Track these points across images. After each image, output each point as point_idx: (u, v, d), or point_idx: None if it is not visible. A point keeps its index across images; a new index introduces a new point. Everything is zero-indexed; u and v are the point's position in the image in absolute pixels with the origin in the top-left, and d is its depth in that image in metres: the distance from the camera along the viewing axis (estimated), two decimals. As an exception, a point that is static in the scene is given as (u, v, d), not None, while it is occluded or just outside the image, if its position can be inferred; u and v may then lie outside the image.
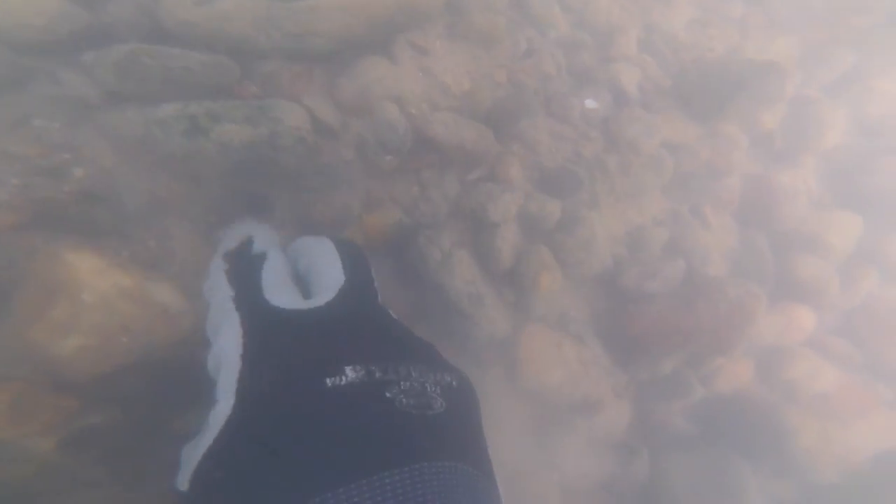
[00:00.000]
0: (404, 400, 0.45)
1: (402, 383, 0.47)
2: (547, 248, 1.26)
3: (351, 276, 0.58)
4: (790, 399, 1.45)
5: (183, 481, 0.46)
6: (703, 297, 1.34)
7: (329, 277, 0.58)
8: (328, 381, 0.45)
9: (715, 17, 1.89)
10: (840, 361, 1.51)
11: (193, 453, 0.46)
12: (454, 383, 0.51)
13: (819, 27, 1.97)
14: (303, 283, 0.63)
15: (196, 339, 1.03)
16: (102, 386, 0.91)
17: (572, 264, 1.31)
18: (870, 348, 1.53)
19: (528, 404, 1.36)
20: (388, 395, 0.45)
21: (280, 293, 0.55)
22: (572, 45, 1.54)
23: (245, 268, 0.61)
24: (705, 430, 1.42)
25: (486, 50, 1.37)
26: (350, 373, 0.46)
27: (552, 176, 1.33)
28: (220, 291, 0.59)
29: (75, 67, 0.95)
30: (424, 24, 1.31)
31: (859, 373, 1.52)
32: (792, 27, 1.95)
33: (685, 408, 1.45)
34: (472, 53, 1.35)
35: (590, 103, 1.41)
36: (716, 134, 1.57)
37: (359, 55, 1.22)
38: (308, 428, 0.43)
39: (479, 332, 1.21)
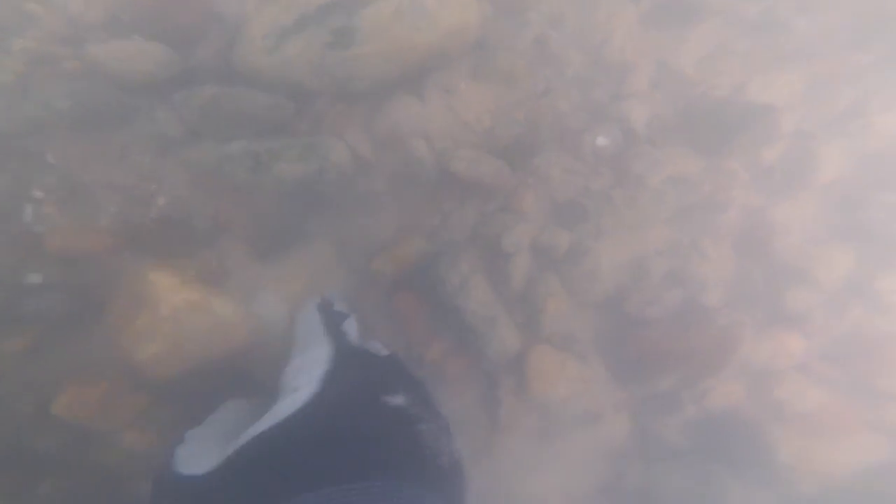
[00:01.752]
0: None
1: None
2: (555, 276, 1.39)
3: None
4: (777, 417, 1.56)
5: (205, 463, 0.61)
6: (696, 324, 1.46)
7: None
8: (384, 398, 0.62)
9: (723, 52, 1.99)
10: (826, 384, 1.62)
11: (239, 435, 0.61)
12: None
13: (822, 63, 2.06)
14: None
15: (246, 346, 1.20)
16: (170, 386, 1.06)
17: (578, 291, 1.44)
18: (854, 372, 1.64)
19: (535, 414, 1.49)
20: (411, 415, 0.61)
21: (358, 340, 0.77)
22: (587, 83, 1.67)
23: (334, 316, 0.83)
24: (696, 444, 1.55)
25: (506, 89, 1.50)
26: (399, 399, 0.62)
27: (563, 208, 1.46)
28: (316, 325, 0.77)
29: (167, 106, 1.10)
30: (451, 65, 1.45)
31: (844, 395, 1.63)
32: (796, 62, 2.05)
33: (678, 423, 1.57)
34: (494, 92, 1.48)
35: (601, 140, 1.54)
36: (718, 168, 1.68)
37: (392, 94, 1.37)
38: (355, 432, 0.58)
39: (492, 349, 1.35)
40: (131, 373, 1.01)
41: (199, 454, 0.65)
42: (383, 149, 1.35)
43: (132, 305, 1.01)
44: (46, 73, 0.98)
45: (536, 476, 1.45)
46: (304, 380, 0.66)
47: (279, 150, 1.16)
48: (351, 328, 0.80)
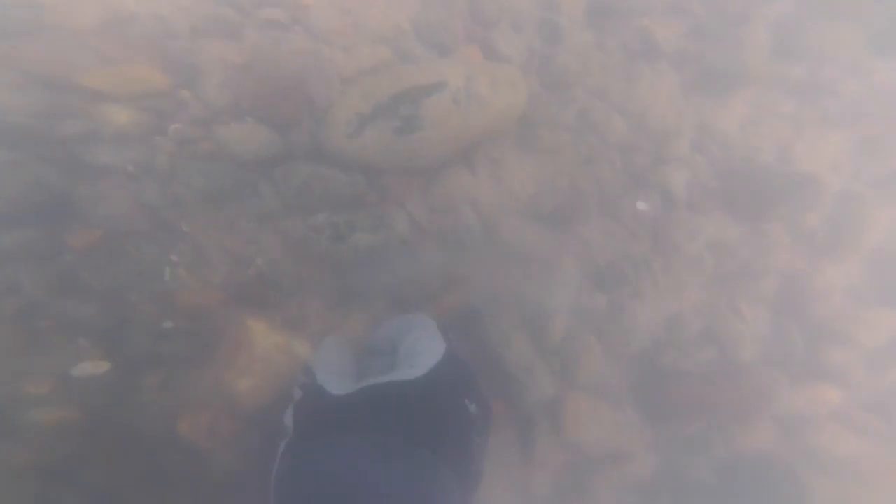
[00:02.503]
0: None
1: None
2: (593, 335, 1.52)
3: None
4: (811, 462, 1.60)
5: (336, 387, 0.91)
6: (726, 378, 1.54)
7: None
8: (466, 401, 0.88)
9: (767, 114, 2.06)
10: (866, 433, 1.64)
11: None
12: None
13: (871, 122, 2.08)
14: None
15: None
16: (259, 413, 1.28)
17: (615, 345, 1.56)
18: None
19: (569, 453, 1.61)
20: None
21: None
22: (629, 148, 1.80)
23: (445, 325, 1.11)
24: (724, 483, 1.61)
25: (550, 159, 1.66)
26: (473, 407, 0.89)
27: (604, 270, 1.59)
28: (433, 327, 1.06)
29: (268, 182, 1.34)
30: (500, 138, 1.63)
31: (885, 443, 1.64)
32: (844, 122, 2.08)
33: (707, 461, 1.64)
34: (539, 162, 1.65)
35: (641, 205, 1.66)
36: (758, 233, 1.75)
37: (447, 166, 1.56)
38: (440, 416, 0.84)
39: (530, 395, 1.49)
40: (232, 402, 1.24)
41: (327, 380, 0.94)
42: (437, 214, 1.55)
43: (234, 347, 1.25)
44: (188, 153, 1.24)
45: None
46: (422, 361, 0.92)
47: (355, 221, 1.38)
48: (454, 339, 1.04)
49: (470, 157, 1.58)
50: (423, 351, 0.96)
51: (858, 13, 2.25)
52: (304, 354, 1.34)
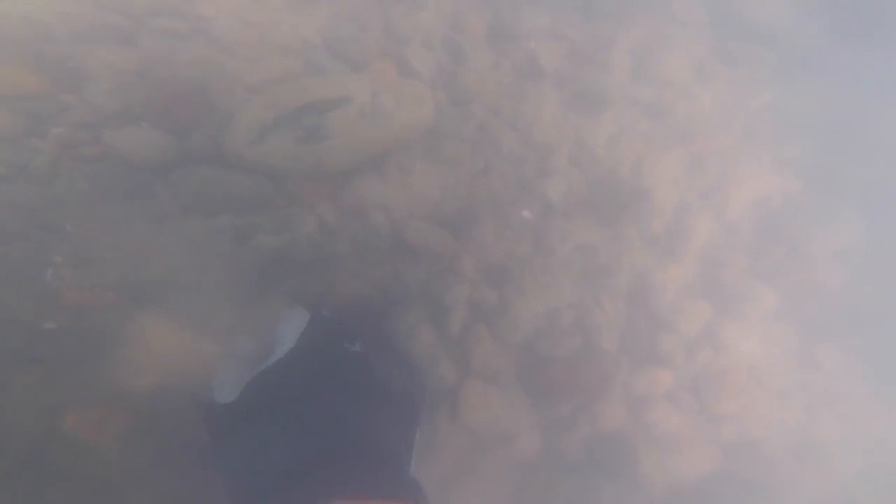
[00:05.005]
0: None
1: None
2: (484, 324, 1.73)
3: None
4: (647, 436, 2.02)
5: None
6: (590, 364, 1.87)
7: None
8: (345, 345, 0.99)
9: (626, 131, 2.44)
10: (682, 408, 2.10)
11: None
12: None
13: (697, 141, 2.58)
14: None
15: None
16: (155, 408, 1.26)
17: (503, 336, 1.79)
18: (704, 400, 2.14)
19: (465, 436, 1.82)
20: None
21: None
22: (518, 161, 2.02)
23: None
24: (588, 457, 1.96)
25: (453, 169, 1.81)
26: (357, 346, 1.00)
27: (494, 269, 1.80)
28: (301, 312, 1.18)
29: (164, 185, 1.29)
30: (409, 148, 1.74)
31: (694, 417, 2.12)
32: (680, 140, 2.55)
33: (576, 440, 1.98)
34: (443, 171, 1.79)
35: (526, 213, 1.90)
36: (616, 237, 2.11)
37: (358, 172, 1.63)
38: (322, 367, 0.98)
39: (434, 382, 1.66)
40: (126, 398, 1.22)
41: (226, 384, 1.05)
42: (348, 217, 1.62)
43: (129, 346, 1.22)
44: (72, 155, 1.16)
45: (463, 487, 1.78)
46: (290, 338, 1.07)
47: (258, 223, 1.40)
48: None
49: (381, 164, 1.67)
50: (290, 330, 1.11)
51: (685, 43, 2.76)
52: (209, 351, 1.35)
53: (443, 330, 1.70)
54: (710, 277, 2.39)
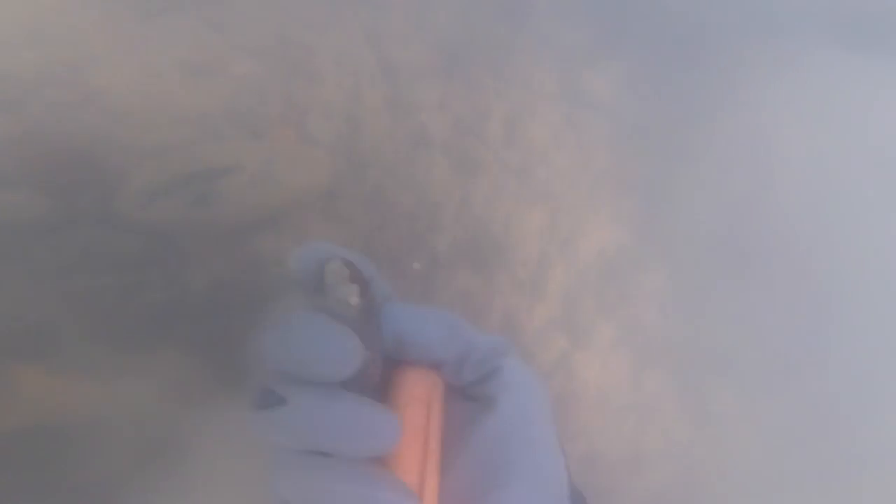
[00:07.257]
0: None
1: None
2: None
3: None
4: None
5: None
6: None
7: None
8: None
9: (499, 192, 2.88)
10: None
11: None
12: None
13: (554, 200, 3.14)
14: None
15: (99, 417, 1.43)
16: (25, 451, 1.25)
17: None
18: (560, 419, 2.58)
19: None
20: None
21: None
22: (411, 218, 2.30)
23: None
24: None
25: (349, 226, 2.02)
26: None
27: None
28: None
29: (45, 246, 1.28)
30: (305, 209, 1.90)
31: None
32: (541, 199, 3.07)
33: None
34: (339, 228, 1.99)
35: (416, 265, 2.17)
36: (490, 283, 2.49)
37: (253, 231, 1.75)
38: None
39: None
40: None
41: None
42: (242, 273, 1.72)
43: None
44: None
45: None
46: None
47: (146, 281, 1.46)
48: None
49: (277, 223, 1.81)
50: None
51: (544, 114, 3.34)
52: (94, 395, 1.37)
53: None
54: (566, 314, 2.90)
